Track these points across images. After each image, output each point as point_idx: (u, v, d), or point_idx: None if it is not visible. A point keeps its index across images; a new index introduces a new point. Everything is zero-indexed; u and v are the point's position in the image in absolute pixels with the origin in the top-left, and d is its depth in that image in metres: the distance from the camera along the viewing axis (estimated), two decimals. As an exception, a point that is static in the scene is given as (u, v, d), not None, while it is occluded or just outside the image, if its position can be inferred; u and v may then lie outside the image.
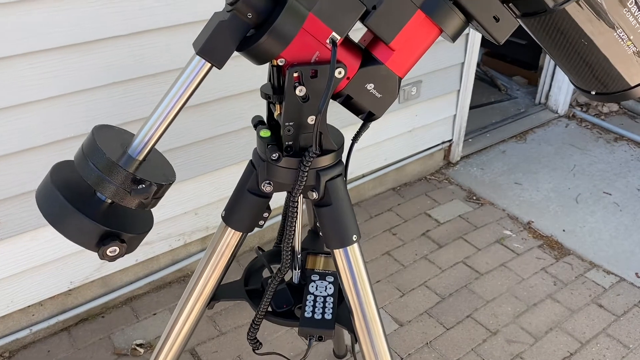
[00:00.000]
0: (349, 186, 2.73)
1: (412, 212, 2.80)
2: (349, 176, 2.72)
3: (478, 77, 3.92)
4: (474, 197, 2.91)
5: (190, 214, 2.24)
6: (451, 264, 2.47)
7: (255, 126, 0.98)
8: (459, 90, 2.89)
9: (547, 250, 2.57)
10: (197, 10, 1.85)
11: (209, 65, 0.83)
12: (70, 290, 2.08)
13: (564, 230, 2.69)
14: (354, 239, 0.97)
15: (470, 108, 3.05)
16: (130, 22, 1.75)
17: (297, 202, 0.93)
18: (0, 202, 1.77)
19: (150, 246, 2.20)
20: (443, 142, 3.05)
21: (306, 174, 0.89)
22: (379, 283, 2.36)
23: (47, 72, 1.68)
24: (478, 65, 3.92)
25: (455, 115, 2.98)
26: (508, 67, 4.07)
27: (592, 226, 2.72)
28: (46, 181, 0.84)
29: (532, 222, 2.74)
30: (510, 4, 0.90)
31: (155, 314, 2.19)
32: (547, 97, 3.66)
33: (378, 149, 2.75)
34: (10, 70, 1.62)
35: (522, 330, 2.16)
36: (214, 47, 0.81)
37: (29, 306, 2.02)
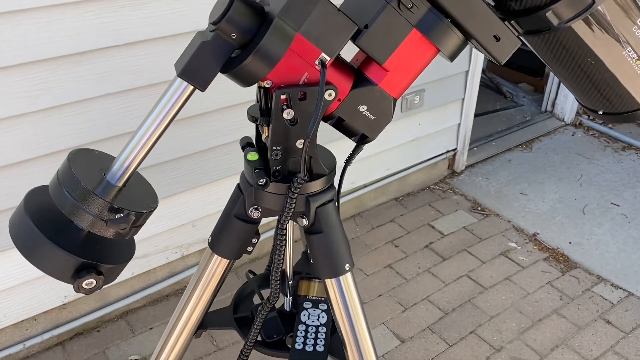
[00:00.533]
0: (350, 196, 2.69)
1: (415, 223, 2.75)
2: (350, 186, 2.68)
3: (483, 84, 3.86)
4: (479, 208, 2.86)
5: (187, 226, 2.20)
6: (455, 278, 2.41)
7: (243, 148, 0.93)
8: (463, 99, 2.84)
9: (553, 263, 2.51)
10: (195, 20, 1.81)
11: (192, 87, 0.78)
12: (64, 304, 2.04)
13: (570, 243, 2.62)
14: (347, 268, 0.93)
15: (475, 116, 2.99)
16: (126, 32, 1.71)
17: (286, 229, 0.88)
18: (-10, 216, 1.73)
19: (147, 259, 2.16)
20: (447, 151, 2.99)
21: (294, 200, 0.85)
22: (380, 297, 2.30)
23: (40, 84, 1.65)
24: (483, 72, 3.86)
25: (459, 124, 2.93)
26: (514, 74, 4.01)
27: (600, 238, 2.66)
28: (19, 209, 0.80)
29: (538, 233, 2.68)
30: (512, 22, 0.85)
31: (151, 328, 2.14)
32: (553, 105, 3.59)
33: (380, 158, 2.70)
34: (2, 82, 1.58)
35: (527, 347, 2.10)
36: (196, 69, 0.76)
37: (22, 321, 1.98)
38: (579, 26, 0.84)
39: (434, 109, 2.74)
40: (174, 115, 0.81)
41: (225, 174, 2.14)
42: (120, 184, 0.82)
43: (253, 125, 1.88)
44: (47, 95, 1.68)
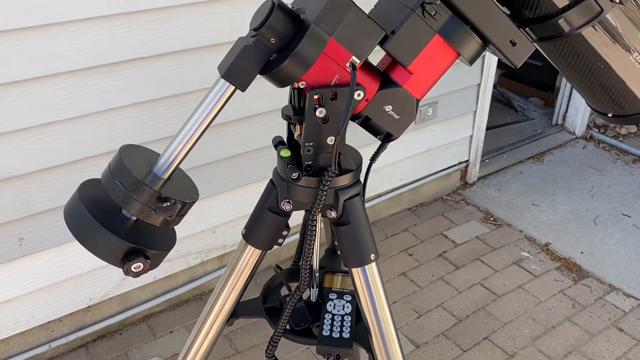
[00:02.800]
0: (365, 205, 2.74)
1: (428, 232, 2.80)
2: (366, 195, 2.73)
3: (494, 98, 3.93)
4: (491, 218, 2.90)
5: (208, 232, 2.27)
6: (468, 286, 2.46)
7: (275, 146, 1.00)
8: (475, 111, 2.90)
9: (565, 272, 2.55)
10: (217, 34, 1.90)
11: (233, 88, 0.86)
12: (89, 306, 2.11)
13: (582, 253, 2.66)
14: (372, 258, 0.99)
15: (487, 129, 3.05)
16: (153, 45, 1.80)
17: (316, 220, 0.94)
18: (23, 219, 1.81)
19: (169, 264, 2.23)
20: (460, 163, 3.05)
21: (325, 193, 0.91)
22: (395, 304, 2.35)
23: (73, 93, 1.73)
24: (494, 86, 3.93)
25: (471, 136, 2.99)
26: (524, 88, 4.08)
27: (611, 248, 2.70)
28: (74, 198, 0.87)
29: (550, 243, 2.72)
30: (526, 28, 0.92)
31: (172, 332, 2.20)
32: (564, 119, 3.65)
33: (394, 169, 2.76)
34: (35, 91, 1.67)
35: (540, 353, 2.14)
36: (238, 71, 0.84)
37: (48, 322, 2.04)
38: (588, 33, 0.91)
39: (446, 121, 2.81)
40: (216, 113, 0.88)
41: (246, 181, 2.21)
42: (165, 177, 0.89)
43: (272, 133, 1.96)
44: (79, 104, 1.76)
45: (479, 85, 2.82)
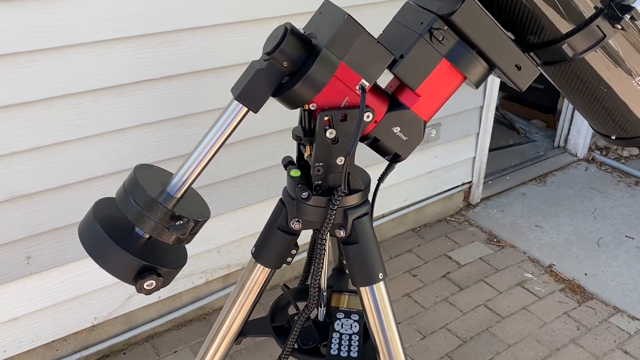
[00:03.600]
0: (369, 227, 2.76)
1: (432, 253, 2.80)
2: (369, 217, 2.75)
3: (497, 120, 3.96)
4: (495, 240, 2.91)
5: (213, 251, 2.27)
6: (472, 307, 2.45)
7: (285, 166, 1.02)
8: (478, 133, 2.93)
9: (570, 294, 2.55)
10: (225, 57, 1.93)
11: (246, 109, 0.88)
12: (94, 326, 2.11)
13: (586, 274, 2.66)
14: (380, 277, 1.00)
15: (490, 150, 3.08)
16: (162, 67, 1.84)
17: (325, 239, 0.96)
18: (30, 238, 1.82)
19: (173, 283, 2.23)
20: (463, 184, 3.07)
21: (334, 212, 0.93)
22: (399, 325, 2.33)
23: (83, 113, 1.76)
24: (496, 108, 3.96)
25: (474, 158, 3.01)
26: (526, 110, 4.11)
27: (615, 270, 2.70)
28: (88, 216, 0.89)
29: (554, 265, 2.72)
30: (531, 53, 0.95)
31: (176, 352, 2.20)
32: (566, 141, 3.68)
33: (398, 189, 2.78)
34: (45, 112, 1.70)
35: (546, 375, 2.13)
36: (251, 93, 0.86)
37: (53, 341, 2.04)
38: (591, 57, 0.93)
39: (449, 143, 2.83)
40: (229, 134, 0.90)
41: (251, 201, 2.22)
42: (178, 195, 0.91)
43: (277, 154, 1.99)
44: (89, 125, 1.79)
45: (482, 107, 2.85)
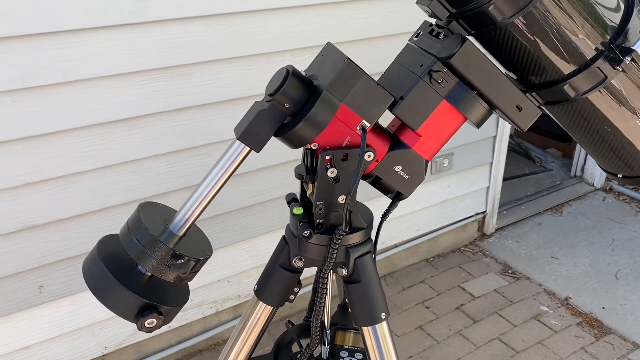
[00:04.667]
0: (380, 256, 2.74)
1: (445, 284, 2.77)
2: (381, 246, 2.74)
3: (512, 149, 3.94)
4: (510, 271, 2.87)
5: (223, 282, 2.28)
6: (486, 341, 2.41)
7: (288, 203, 1.03)
8: (491, 163, 2.91)
9: (587, 328, 2.49)
10: (235, 90, 1.96)
11: (248, 149, 0.89)
12: (104, 355, 2.12)
13: (603, 308, 2.60)
14: (383, 317, 0.99)
15: (505, 179, 3.05)
16: (174, 100, 1.87)
17: (327, 278, 0.96)
18: (44, 267, 1.85)
19: (183, 313, 2.23)
20: (477, 214, 3.04)
21: (336, 250, 0.93)
22: (411, 359, 2.31)
23: (97, 145, 1.79)
24: (512, 136, 3.94)
25: (488, 187, 2.99)
26: (542, 139, 4.08)
27: (634, 304, 2.63)
28: (93, 253, 0.90)
29: (570, 298, 2.67)
30: (532, 93, 0.95)
31: (185, 383, 2.19)
32: (582, 170, 3.64)
33: (410, 219, 2.77)
34: (64, 143, 1.74)
35: (562, 413, 2.07)
36: (253, 133, 0.88)
37: (64, 370, 2.05)
38: (594, 97, 0.93)
39: (462, 172, 2.82)
40: (231, 173, 0.91)
41: (261, 231, 2.23)
42: (181, 234, 0.92)
43: (287, 184, 1.99)
44: (103, 156, 1.82)
45: (495, 137, 2.84)
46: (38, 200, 1.77)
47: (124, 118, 1.82)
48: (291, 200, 1.03)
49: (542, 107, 0.98)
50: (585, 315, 2.56)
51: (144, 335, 2.18)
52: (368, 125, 0.89)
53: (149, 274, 0.90)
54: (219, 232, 2.13)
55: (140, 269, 0.90)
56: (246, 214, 2.18)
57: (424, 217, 2.82)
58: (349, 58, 0.86)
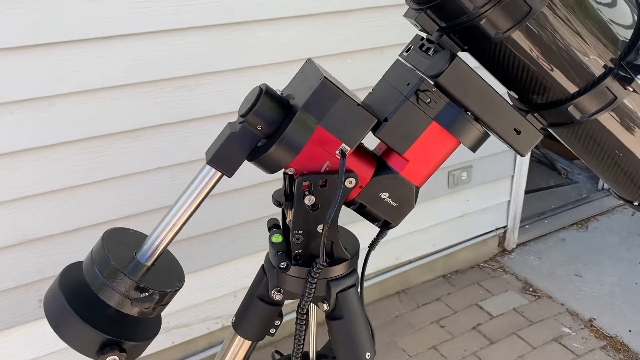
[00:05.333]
0: (394, 272, 2.65)
1: (462, 302, 2.66)
2: (394, 261, 2.65)
3: (537, 160, 3.80)
4: (531, 289, 2.74)
5: (229, 296, 2.22)
6: (503, 363, 2.30)
7: (269, 229, 0.96)
8: (512, 176, 2.80)
9: (612, 352, 2.35)
10: (241, 100, 1.91)
11: (220, 174, 0.83)
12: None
13: (630, 331, 2.46)
14: (368, 357, 0.91)
15: (528, 192, 2.93)
16: (179, 111, 1.83)
17: (306, 314, 0.88)
18: (43, 281, 1.82)
19: (188, 328, 2.18)
20: (497, 229, 2.92)
21: (314, 285, 0.85)
22: (422, 380, 2.21)
23: (99, 157, 1.76)
24: (537, 147, 3.80)
25: (509, 201, 2.87)
26: (569, 150, 3.92)
27: (664, 328, 2.48)
28: (54, 283, 0.85)
29: (594, 319, 2.53)
30: (535, 114, 0.86)
31: (188, 400, 2.14)
32: (611, 183, 3.47)
33: (426, 234, 2.67)
34: (63, 156, 1.71)
35: None
36: (224, 157, 0.81)
37: (66, 386, 2.02)
38: (605, 118, 0.84)
39: (482, 185, 2.71)
40: (202, 198, 0.85)
41: (266, 245, 2.16)
42: (149, 263, 0.85)
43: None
44: (104, 169, 1.79)
45: (516, 149, 2.72)
46: (37, 213, 1.74)
47: (127, 130, 1.78)
48: (272, 226, 0.96)
49: (550, 130, 0.89)
50: (610, 339, 2.42)
51: (147, 351, 2.13)
52: (348, 149, 0.81)
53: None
54: (222, 246, 2.08)
55: (105, 301, 0.84)
56: (249, 228, 2.12)
57: (441, 232, 2.72)
58: (324, 77, 0.78)
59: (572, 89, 0.81)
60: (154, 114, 1.80)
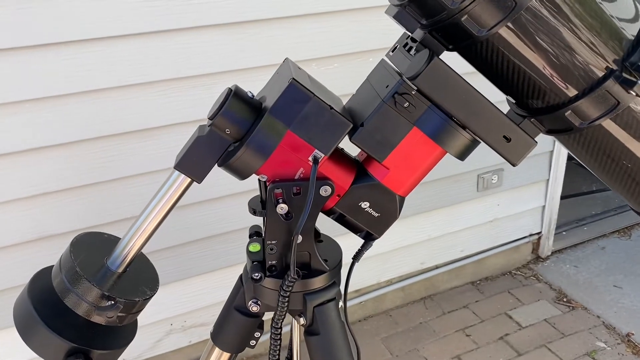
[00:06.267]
0: (419, 277, 2.56)
1: (490, 311, 2.55)
2: (419, 266, 2.56)
3: (577, 163, 3.62)
4: (565, 299, 2.61)
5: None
6: (529, 378, 2.19)
7: (250, 236, 0.92)
8: (547, 180, 2.66)
9: (650, 371, 2.20)
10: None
11: (189, 179, 0.79)
12: (122, 368, 2.09)
13: (672, 349, 2.30)
14: (346, 377, 0.85)
15: (567, 196, 2.79)
16: (193, 111, 1.81)
17: (280, 328, 0.83)
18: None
19: (205, 328, 2.18)
20: (531, 235, 2.79)
21: (287, 299, 0.80)
22: (442, 392, 2.13)
23: (109, 157, 1.76)
24: (579, 150, 3.62)
25: (544, 207, 2.74)
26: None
27: None
28: (24, 290, 0.83)
29: (632, 334, 2.37)
30: (532, 120, 0.78)
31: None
32: (659, 188, 3.27)
33: (454, 238, 2.58)
34: (77, 154, 1.72)
35: None
36: (191, 162, 0.78)
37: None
38: (609, 123, 0.75)
39: (514, 190, 2.59)
40: (172, 204, 0.81)
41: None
42: (120, 270, 0.83)
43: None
44: (114, 168, 1.79)
45: (552, 152, 2.59)
46: (53, 210, 1.76)
47: (140, 129, 1.78)
48: (254, 233, 0.92)
49: (553, 136, 0.81)
50: (649, 356, 2.27)
51: (163, 349, 2.14)
52: (322, 155, 0.76)
53: (84, 314, 0.82)
54: (235, 247, 2.06)
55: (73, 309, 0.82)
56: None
57: (470, 237, 2.61)
58: (293, 78, 0.73)
59: (569, 92, 0.73)
60: (166, 113, 1.79)
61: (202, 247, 2.03)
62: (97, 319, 0.79)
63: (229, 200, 1.98)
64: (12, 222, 1.73)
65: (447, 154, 0.79)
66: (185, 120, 1.82)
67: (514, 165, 0.77)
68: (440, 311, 2.56)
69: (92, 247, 0.85)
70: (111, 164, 1.77)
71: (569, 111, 0.73)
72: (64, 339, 0.79)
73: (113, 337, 0.85)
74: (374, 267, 2.40)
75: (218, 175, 0.82)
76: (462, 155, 0.78)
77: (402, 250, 2.45)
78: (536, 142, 0.77)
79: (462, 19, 0.67)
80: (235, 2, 1.74)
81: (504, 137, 0.74)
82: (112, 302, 0.79)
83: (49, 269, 0.87)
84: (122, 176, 1.80)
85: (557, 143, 2.54)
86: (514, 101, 0.81)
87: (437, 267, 2.61)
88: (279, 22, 1.83)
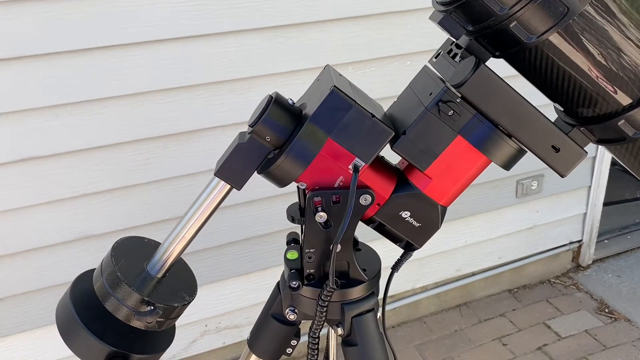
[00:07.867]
0: (454, 284, 2.52)
1: (528, 320, 2.49)
2: (455, 273, 2.52)
3: (621, 169, 3.50)
4: (606, 310, 2.52)
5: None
6: (569, 390, 2.12)
7: (288, 243, 0.91)
8: (589, 187, 2.59)
9: (697, 387, 2.11)
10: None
11: (228, 186, 0.79)
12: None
13: None
14: (384, 389, 0.84)
15: (610, 203, 2.70)
16: (232, 114, 1.83)
17: (318, 338, 0.83)
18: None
19: (239, 330, 2.19)
20: (571, 243, 2.72)
21: (325, 309, 0.79)
22: (477, 402, 2.09)
23: (153, 157, 1.79)
24: (623, 155, 3.50)
25: (585, 214, 2.66)
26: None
27: None
28: (66, 292, 0.84)
29: (679, 349, 2.28)
30: (582, 129, 0.75)
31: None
32: None
33: (491, 245, 2.52)
34: (116, 157, 1.75)
35: None
36: (231, 170, 0.78)
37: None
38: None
39: (554, 196, 2.53)
40: (212, 210, 0.82)
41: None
42: (159, 275, 0.83)
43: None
44: (157, 169, 1.82)
45: (594, 158, 2.51)
46: (94, 211, 1.79)
47: (180, 132, 1.80)
48: (291, 240, 0.91)
49: (603, 146, 0.78)
50: (696, 372, 2.18)
51: (198, 350, 2.16)
52: (362, 164, 0.74)
53: (124, 317, 0.82)
54: (273, 250, 2.06)
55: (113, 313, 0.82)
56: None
57: (508, 243, 2.56)
58: (335, 85, 0.72)
59: (623, 100, 0.70)
60: (206, 117, 1.80)
61: (238, 249, 2.04)
62: (137, 323, 0.80)
63: (265, 203, 1.99)
64: (54, 222, 1.77)
65: (491, 163, 0.76)
66: (223, 124, 1.83)
67: (562, 176, 0.75)
68: (476, 319, 2.51)
69: (133, 252, 0.86)
70: (152, 166, 1.80)
71: (622, 120, 0.70)
72: (104, 343, 0.79)
73: (152, 342, 0.85)
74: (409, 273, 2.37)
75: (254, 179, 0.83)
76: (507, 165, 0.76)
77: (438, 256, 2.41)
78: (586, 153, 0.74)
79: (511, 25, 0.65)
80: (274, 5, 1.74)
81: (553, 147, 0.72)
82: (152, 308, 0.79)
83: (90, 272, 0.88)
84: (164, 177, 1.82)
85: (600, 148, 2.47)
86: (562, 109, 0.78)
87: (473, 274, 2.57)
88: (319, 26, 1.82)
